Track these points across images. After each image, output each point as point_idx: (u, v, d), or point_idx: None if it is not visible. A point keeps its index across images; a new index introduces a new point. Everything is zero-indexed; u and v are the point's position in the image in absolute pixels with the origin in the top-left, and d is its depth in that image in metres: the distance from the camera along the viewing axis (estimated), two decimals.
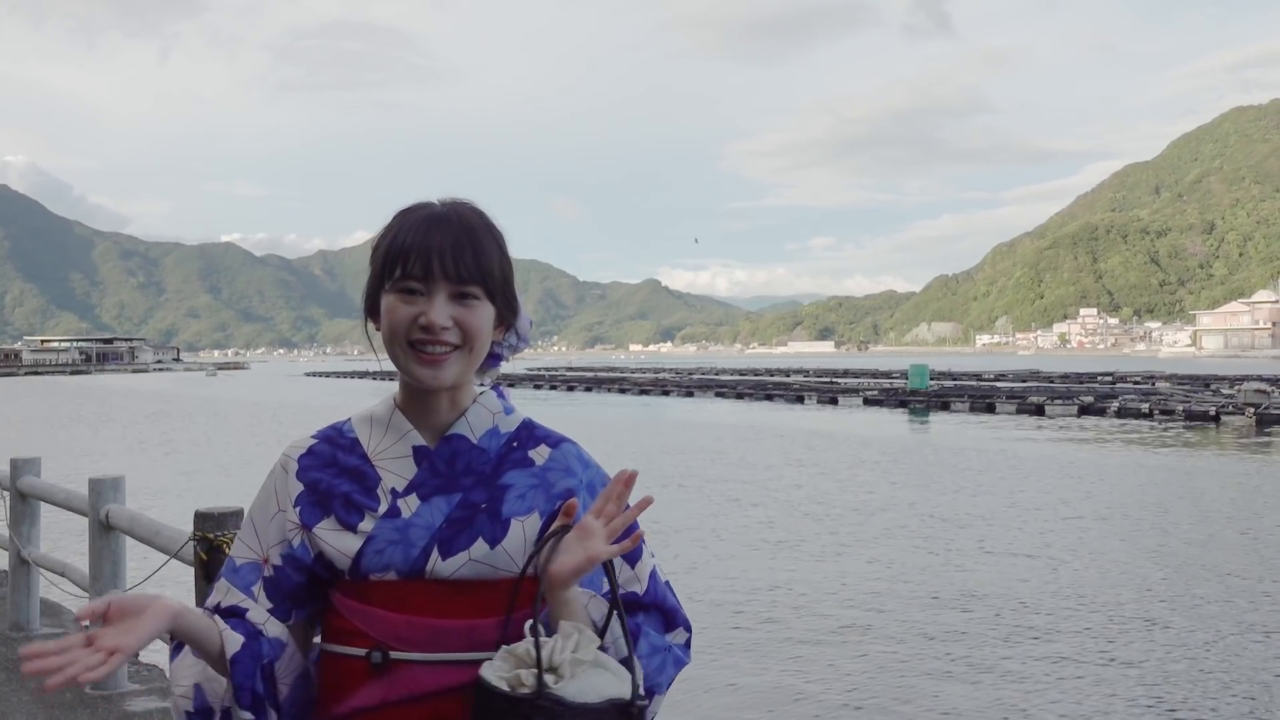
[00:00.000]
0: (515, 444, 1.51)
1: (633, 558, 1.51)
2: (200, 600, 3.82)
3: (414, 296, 1.41)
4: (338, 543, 1.44)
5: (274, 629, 1.46)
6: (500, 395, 1.56)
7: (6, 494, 6.71)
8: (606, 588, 1.42)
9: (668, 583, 1.54)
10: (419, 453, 1.47)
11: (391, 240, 1.44)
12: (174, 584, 8.61)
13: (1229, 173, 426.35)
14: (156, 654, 7.51)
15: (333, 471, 1.48)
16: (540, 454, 1.51)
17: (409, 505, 1.44)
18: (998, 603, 11.15)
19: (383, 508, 1.44)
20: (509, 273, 1.48)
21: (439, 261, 1.40)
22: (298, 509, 1.46)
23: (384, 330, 1.45)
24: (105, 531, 5.24)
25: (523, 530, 1.45)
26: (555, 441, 1.53)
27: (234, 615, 1.45)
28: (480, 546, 1.43)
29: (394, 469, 1.46)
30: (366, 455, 1.48)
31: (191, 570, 3.95)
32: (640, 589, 1.50)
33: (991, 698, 8.21)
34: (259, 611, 1.45)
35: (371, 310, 1.48)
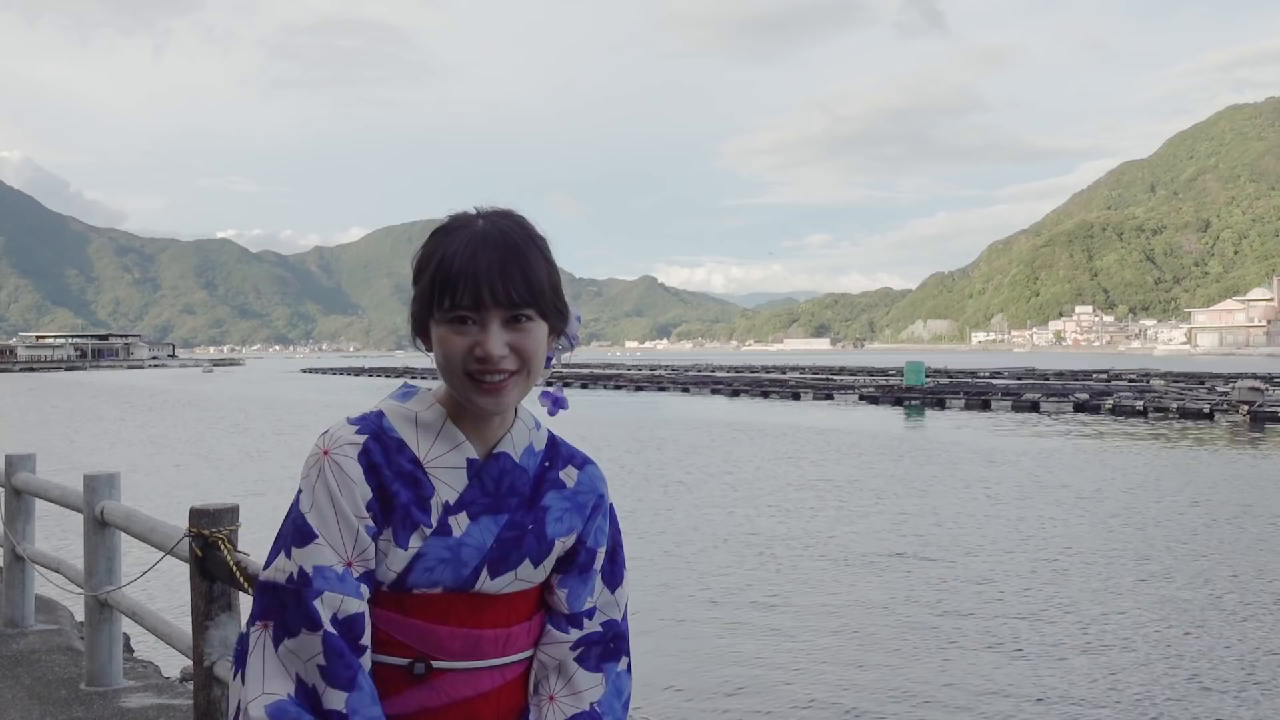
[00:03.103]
0: (548, 464, 1.51)
1: (613, 582, 1.53)
2: (196, 596, 3.83)
3: (466, 326, 1.38)
4: (388, 559, 1.40)
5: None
6: (554, 400, 1.53)
7: (1, 490, 6.70)
8: (573, 633, 1.49)
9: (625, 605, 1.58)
10: (471, 466, 1.45)
11: (437, 267, 1.38)
12: (170, 580, 8.62)
13: (1224, 171, 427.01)
14: (153, 652, 7.51)
15: (390, 475, 1.41)
16: (569, 476, 1.52)
17: (459, 524, 1.42)
18: (956, 596, 11.18)
19: (433, 522, 1.41)
20: (557, 282, 1.44)
21: (489, 289, 1.36)
22: (370, 514, 1.39)
23: (439, 360, 1.40)
24: (100, 528, 5.24)
25: (561, 549, 1.49)
26: (580, 463, 1.54)
27: (359, 627, 1.37)
28: (526, 567, 1.45)
29: (448, 480, 1.43)
30: (419, 461, 1.43)
31: (187, 567, 3.95)
32: (618, 615, 1.53)
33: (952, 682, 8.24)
34: (368, 610, 1.40)
35: (419, 330, 1.44)
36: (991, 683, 8.51)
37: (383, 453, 1.41)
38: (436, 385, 1.49)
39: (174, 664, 7.04)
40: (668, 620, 10.39)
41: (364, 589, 1.38)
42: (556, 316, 1.44)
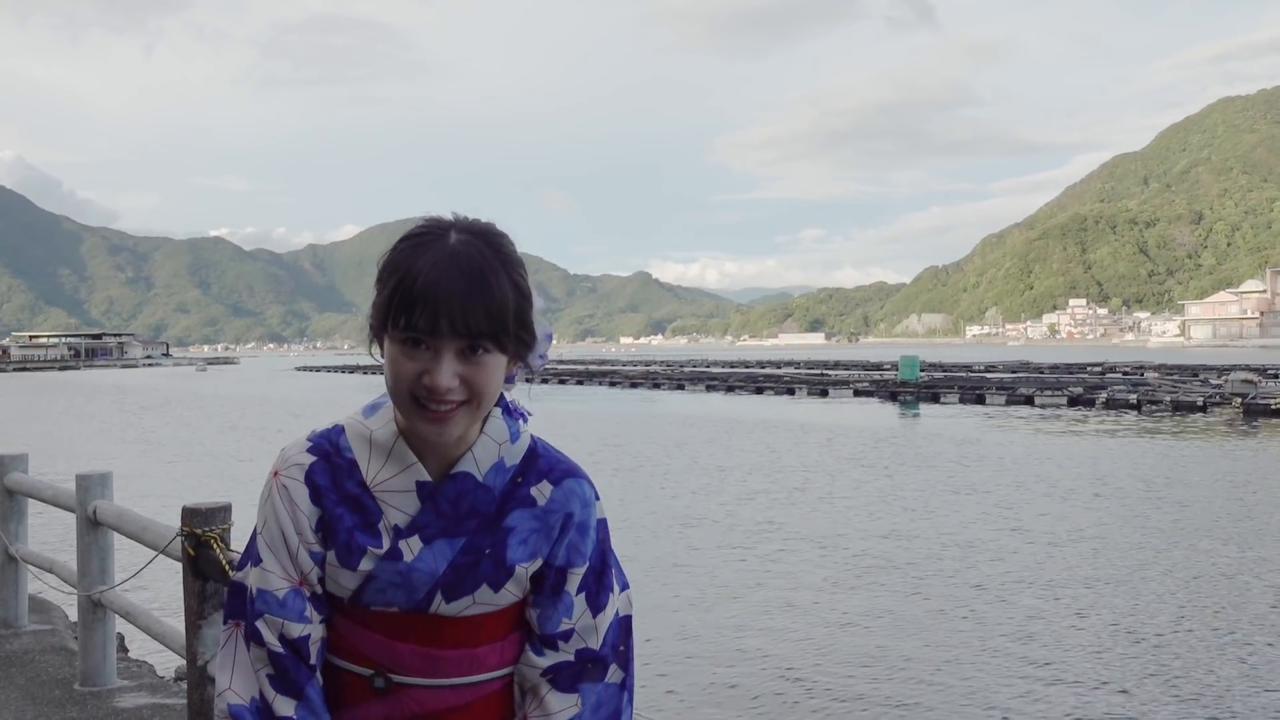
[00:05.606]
0: (519, 479, 1.43)
1: (597, 605, 1.44)
2: (190, 598, 3.82)
3: (418, 350, 1.31)
4: (337, 578, 1.41)
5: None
6: (510, 416, 1.46)
7: None
8: (547, 657, 1.43)
9: (627, 618, 1.49)
10: (423, 489, 1.40)
11: (399, 282, 1.30)
12: (163, 580, 8.61)
13: (1217, 163, 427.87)
14: (147, 651, 7.51)
15: (335, 499, 1.41)
16: (542, 492, 1.43)
17: (410, 547, 1.38)
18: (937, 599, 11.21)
19: (384, 546, 1.39)
20: (525, 307, 1.36)
21: (447, 317, 1.28)
22: (318, 535, 1.41)
23: (388, 379, 1.35)
24: (93, 527, 5.24)
25: (526, 573, 1.42)
26: (558, 477, 1.44)
27: (304, 649, 1.41)
28: (485, 591, 1.40)
29: (396, 504, 1.40)
30: (365, 484, 1.41)
31: (179, 565, 3.95)
32: (595, 644, 1.44)
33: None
34: (319, 629, 1.42)
35: (377, 331, 1.37)
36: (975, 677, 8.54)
37: (330, 475, 1.41)
38: None
39: (168, 663, 7.03)
40: (662, 608, 10.41)
41: (311, 611, 1.41)
42: (518, 346, 1.37)
